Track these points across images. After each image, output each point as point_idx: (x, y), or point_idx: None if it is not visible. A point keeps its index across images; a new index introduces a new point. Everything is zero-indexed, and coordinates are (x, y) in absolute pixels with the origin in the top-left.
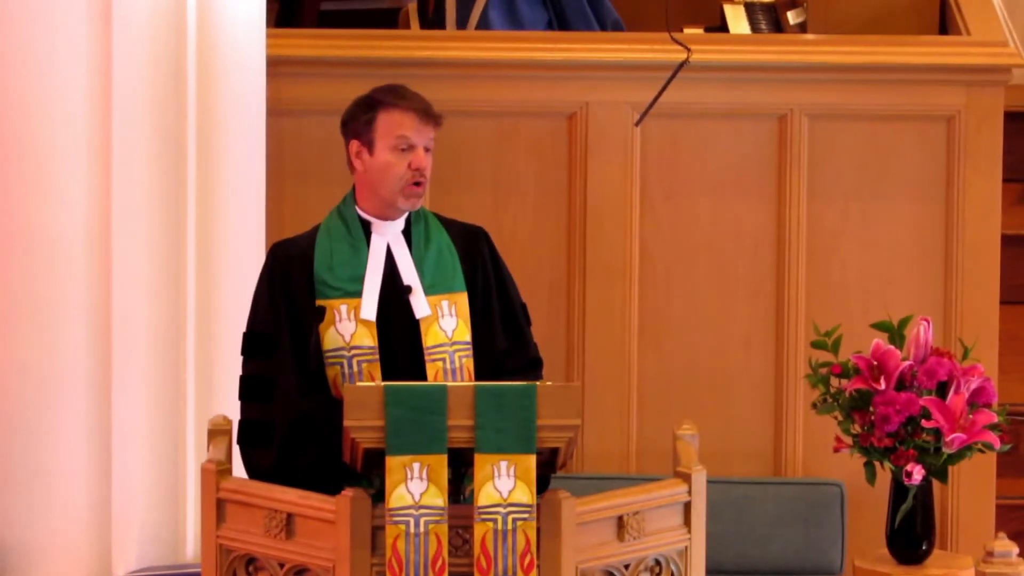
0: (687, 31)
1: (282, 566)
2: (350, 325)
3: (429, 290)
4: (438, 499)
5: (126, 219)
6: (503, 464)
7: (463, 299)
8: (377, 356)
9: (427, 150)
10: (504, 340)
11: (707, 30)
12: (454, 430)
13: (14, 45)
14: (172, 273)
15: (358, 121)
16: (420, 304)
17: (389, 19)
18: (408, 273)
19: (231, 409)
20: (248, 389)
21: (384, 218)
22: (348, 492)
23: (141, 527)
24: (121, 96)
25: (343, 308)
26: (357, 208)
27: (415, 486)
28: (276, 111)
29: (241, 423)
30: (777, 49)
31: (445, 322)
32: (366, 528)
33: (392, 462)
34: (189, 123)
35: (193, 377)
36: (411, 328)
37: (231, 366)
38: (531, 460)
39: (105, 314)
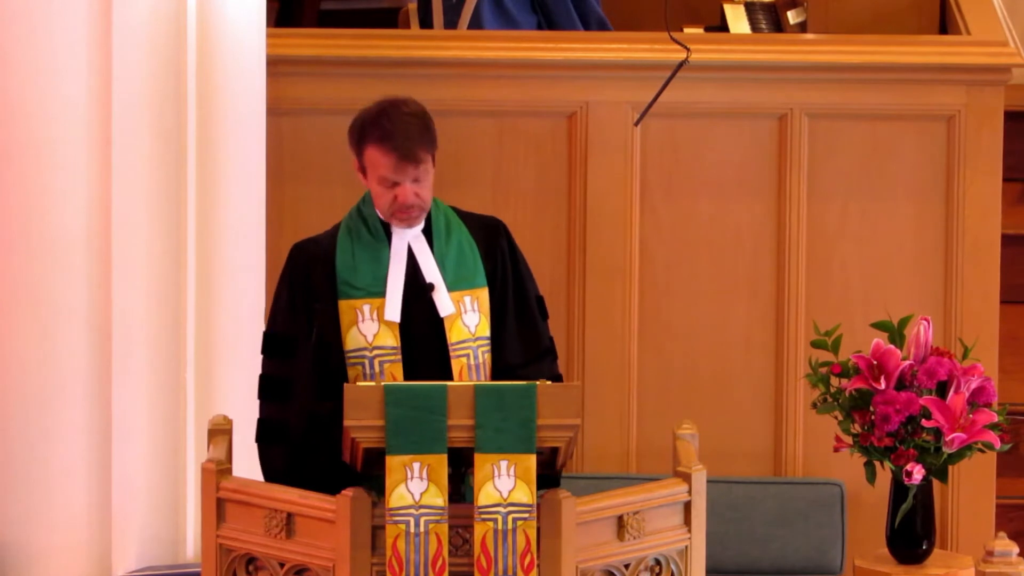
0: (687, 31)
1: (282, 566)
2: (373, 325)
3: (452, 286)
4: (438, 499)
5: (126, 219)
6: (503, 464)
7: (484, 294)
8: (399, 356)
9: (417, 180)
10: (517, 334)
11: (707, 30)
12: (454, 430)
13: (14, 45)
14: (172, 273)
15: (352, 144)
16: (444, 302)
17: (389, 19)
18: (430, 271)
19: (231, 409)
20: (265, 389)
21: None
22: (348, 492)
23: (141, 527)
24: (121, 96)
25: (366, 308)
26: (376, 209)
27: (415, 486)
28: (276, 111)
29: (258, 422)
30: (777, 49)
31: (468, 318)
32: (366, 528)
33: (392, 462)
34: (189, 123)
35: (193, 377)
36: (435, 326)
37: (231, 366)
38: (531, 460)
39: (105, 314)
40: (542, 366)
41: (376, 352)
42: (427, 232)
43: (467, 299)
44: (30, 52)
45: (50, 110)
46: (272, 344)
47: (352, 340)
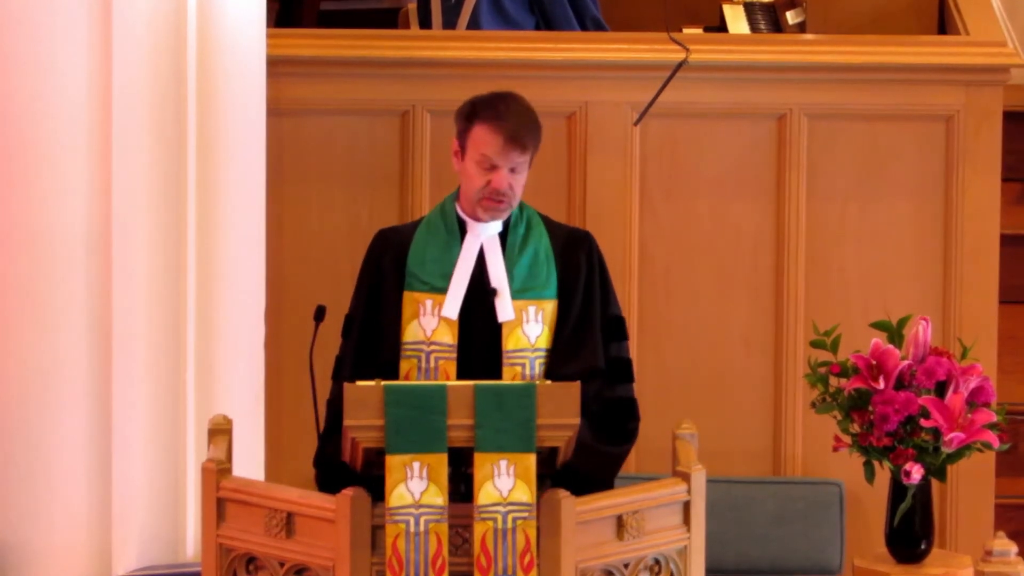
0: (686, 31)
1: (282, 565)
2: (432, 321)
3: (517, 294)
4: (438, 498)
5: (126, 219)
6: (503, 463)
7: (552, 306)
8: (455, 354)
9: (514, 171)
10: (567, 347)
11: (706, 30)
12: (454, 429)
13: (14, 45)
14: (172, 273)
15: (459, 123)
16: (504, 307)
17: (389, 19)
18: (496, 276)
19: (231, 409)
20: (334, 367)
21: (478, 219)
22: (348, 492)
23: (141, 527)
24: (121, 96)
25: (428, 303)
26: (457, 206)
27: (415, 485)
28: (276, 111)
29: None
30: (776, 49)
31: (529, 327)
32: (366, 527)
33: (392, 461)
34: (189, 123)
35: (193, 377)
36: (493, 330)
37: (231, 366)
38: (531, 459)
39: (105, 314)
40: (589, 385)
41: (433, 347)
42: (503, 236)
43: (531, 309)
44: (30, 52)
45: (50, 110)
46: (343, 324)
47: (411, 332)
